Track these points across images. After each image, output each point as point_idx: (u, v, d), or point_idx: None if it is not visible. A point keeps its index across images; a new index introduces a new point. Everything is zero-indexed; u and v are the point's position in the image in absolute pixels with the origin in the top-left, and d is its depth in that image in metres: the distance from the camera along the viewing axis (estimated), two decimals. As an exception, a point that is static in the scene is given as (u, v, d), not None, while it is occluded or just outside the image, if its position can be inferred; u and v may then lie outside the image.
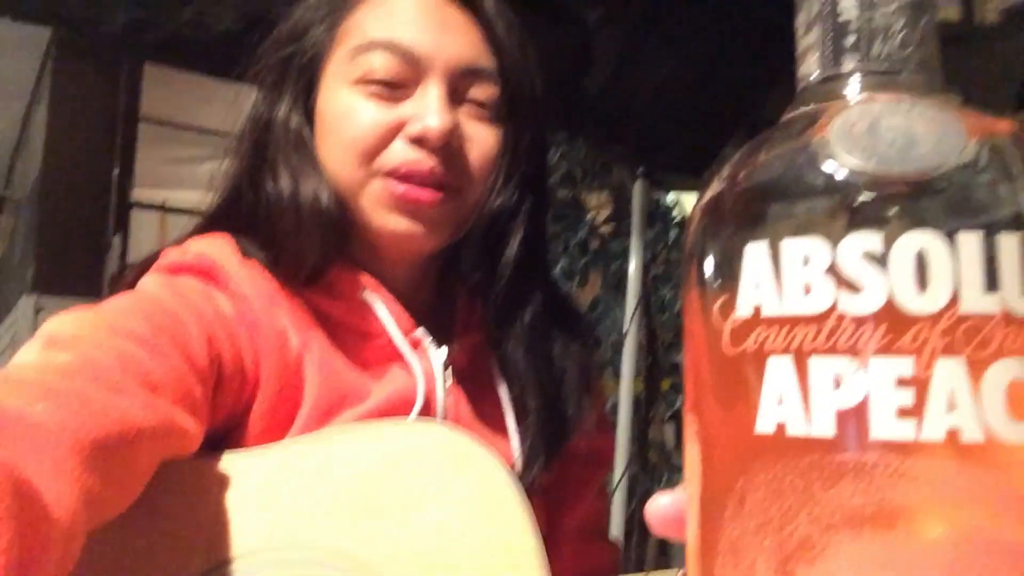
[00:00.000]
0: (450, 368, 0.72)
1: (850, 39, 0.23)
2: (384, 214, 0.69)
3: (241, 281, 0.67)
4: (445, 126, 0.68)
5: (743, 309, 0.21)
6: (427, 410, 0.70)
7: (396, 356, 0.71)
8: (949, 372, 0.19)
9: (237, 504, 0.55)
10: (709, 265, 0.23)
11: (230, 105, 0.81)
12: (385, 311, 0.71)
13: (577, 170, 3.19)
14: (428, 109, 0.68)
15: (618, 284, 2.67)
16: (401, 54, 0.68)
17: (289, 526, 0.55)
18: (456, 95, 0.71)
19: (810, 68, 0.24)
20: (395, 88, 0.69)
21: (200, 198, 0.76)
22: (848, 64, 0.23)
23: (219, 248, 0.69)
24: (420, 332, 0.73)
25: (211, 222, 0.74)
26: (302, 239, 0.68)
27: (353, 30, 0.71)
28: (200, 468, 0.56)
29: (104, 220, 3.75)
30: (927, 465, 0.19)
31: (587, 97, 1.85)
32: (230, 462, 0.57)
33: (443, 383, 0.71)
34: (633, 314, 2.12)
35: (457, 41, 0.70)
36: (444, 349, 0.73)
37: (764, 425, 0.20)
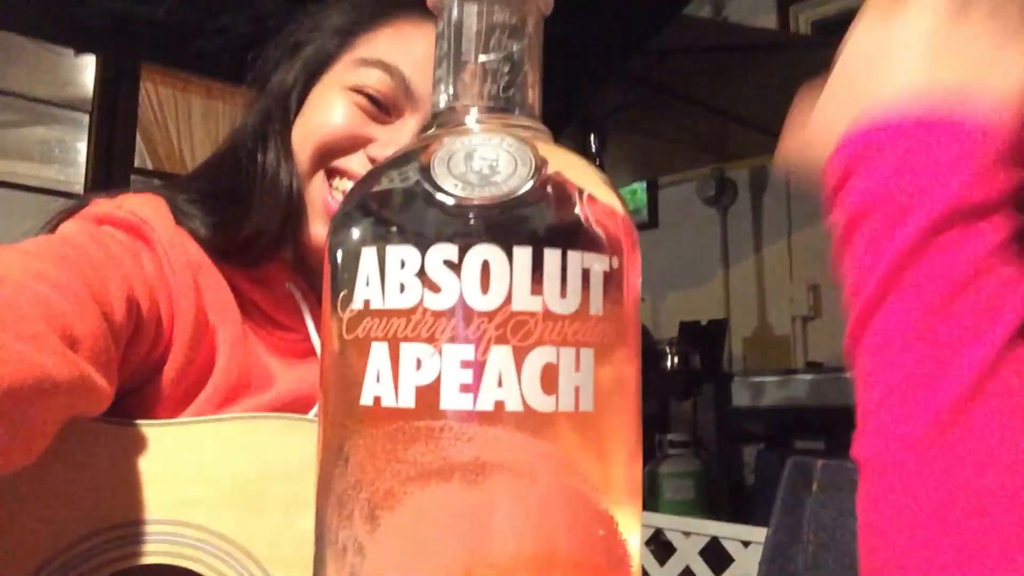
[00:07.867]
0: None
1: (467, 78, 0.28)
2: (315, 217, 0.71)
3: (169, 246, 0.66)
4: None
5: (357, 303, 0.26)
6: None
7: (309, 353, 0.72)
8: (499, 357, 0.24)
9: (128, 473, 0.54)
10: (336, 265, 0.28)
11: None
12: (307, 307, 0.71)
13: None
14: (399, 141, 0.69)
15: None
16: (399, 80, 0.71)
17: (176, 504, 0.54)
18: None
19: (438, 98, 0.29)
20: (380, 109, 0.71)
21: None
22: (465, 99, 0.28)
23: (153, 209, 0.68)
24: None
25: (195, 175, 0.77)
26: (266, 215, 0.69)
27: (367, 43, 0.74)
28: (96, 432, 0.55)
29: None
30: (480, 430, 0.24)
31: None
32: (127, 431, 0.56)
33: None
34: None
35: None
36: None
37: (365, 398, 0.25)
